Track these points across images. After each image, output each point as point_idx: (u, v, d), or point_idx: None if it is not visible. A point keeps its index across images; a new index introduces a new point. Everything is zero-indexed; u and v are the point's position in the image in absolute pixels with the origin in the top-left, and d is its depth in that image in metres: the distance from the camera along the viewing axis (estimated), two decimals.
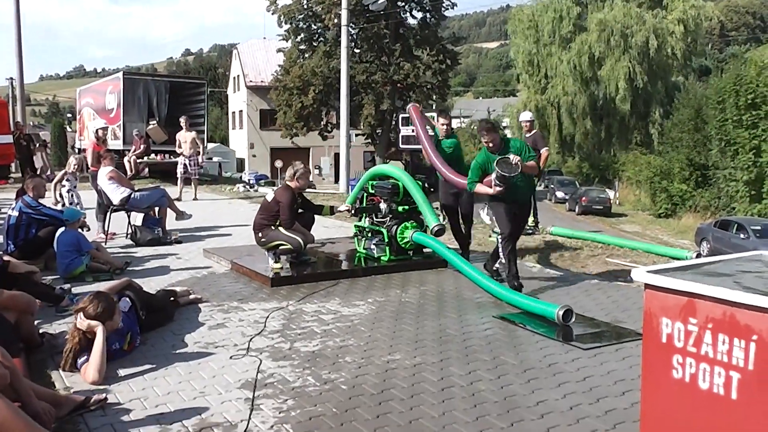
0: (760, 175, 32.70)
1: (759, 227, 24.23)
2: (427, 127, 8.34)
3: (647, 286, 3.03)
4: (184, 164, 14.68)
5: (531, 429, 3.45)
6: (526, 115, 11.01)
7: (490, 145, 6.41)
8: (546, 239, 9.97)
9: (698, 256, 8.00)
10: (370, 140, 39.18)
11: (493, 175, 6.19)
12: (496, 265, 6.97)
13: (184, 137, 14.74)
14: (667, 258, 8.73)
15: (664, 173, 37.50)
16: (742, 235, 23.43)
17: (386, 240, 7.47)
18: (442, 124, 8.11)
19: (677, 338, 2.90)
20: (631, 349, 4.63)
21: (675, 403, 2.94)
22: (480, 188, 6.44)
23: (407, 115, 10.79)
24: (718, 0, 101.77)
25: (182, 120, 15.00)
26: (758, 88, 33.12)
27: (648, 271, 3.08)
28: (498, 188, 6.19)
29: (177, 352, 4.70)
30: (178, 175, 14.82)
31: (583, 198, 37.23)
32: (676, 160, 36.96)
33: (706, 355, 2.80)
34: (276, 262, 7.09)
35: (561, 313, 5.22)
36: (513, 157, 6.09)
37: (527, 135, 10.60)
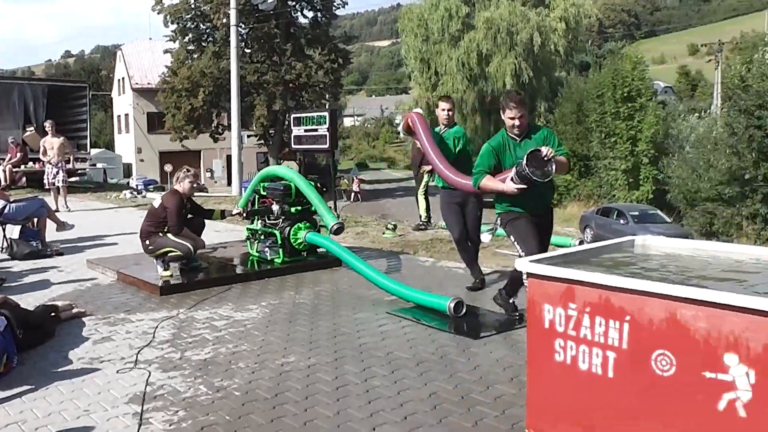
0: (636, 164, 34.66)
1: (637, 213, 25.74)
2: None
3: (529, 274, 3.14)
4: (52, 172, 13.83)
5: (424, 420, 3.50)
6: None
7: (516, 123, 4.86)
8: (440, 234, 10.14)
9: (581, 243, 8.34)
10: (262, 141, 38.77)
11: (513, 171, 4.71)
12: (513, 299, 5.36)
13: (50, 143, 13.86)
14: (553, 246, 9.06)
15: None
16: (621, 221, 24.81)
17: (279, 242, 7.40)
18: (443, 110, 6.73)
19: (558, 323, 3.02)
20: (520, 336, 4.78)
21: (558, 385, 3.06)
22: (489, 183, 4.90)
23: (300, 115, 10.64)
24: None
25: (47, 124, 14.17)
26: (633, 82, 35.05)
27: (530, 261, 3.19)
28: (516, 187, 4.70)
29: (59, 370, 4.46)
30: (47, 185, 13.99)
31: None
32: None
33: (585, 337, 2.92)
34: (165, 269, 6.87)
35: (452, 305, 5.32)
36: (545, 150, 4.58)
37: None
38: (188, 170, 7.26)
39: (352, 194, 40.70)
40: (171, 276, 6.82)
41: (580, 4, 48.68)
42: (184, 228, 6.98)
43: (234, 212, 7.84)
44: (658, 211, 26.86)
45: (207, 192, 22.03)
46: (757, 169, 22.07)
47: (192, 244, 6.94)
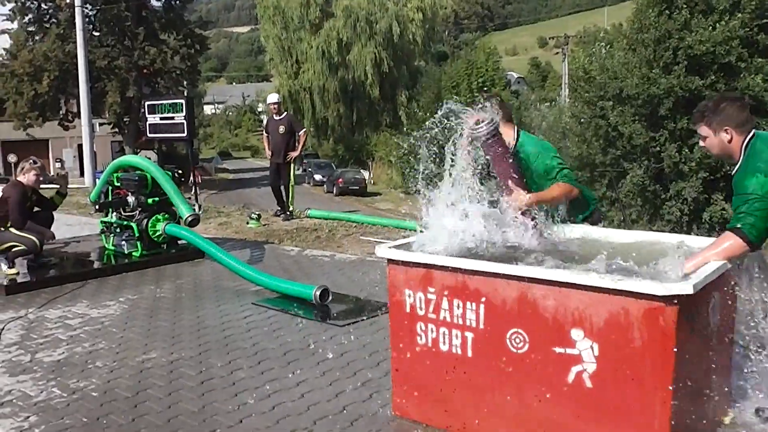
0: None
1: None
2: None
3: (389, 261, 3.22)
4: None
5: (293, 409, 3.51)
6: (273, 97, 10.84)
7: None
8: (303, 223, 10.15)
9: None
10: (116, 130, 36.97)
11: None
12: None
13: None
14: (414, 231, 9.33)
15: (412, 153, 39.99)
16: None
17: (137, 234, 7.12)
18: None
19: (419, 307, 3.13)
20: (385, 321, 4.88)
21: (421, 366, 3.17)
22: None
23: (155, 102, 10.21)
24: None
25: None
26: (488, 72, 36.49)
27: (389, 247, 3.28)
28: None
29: None
30: None
31: (340, 180, 38.50)
32: (422, 140, 39.57)
33: (445, 320, 3.05)
34: (10, 267, 6.44)
35: (318, 293, 5.36)
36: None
37: (277, 117, 10.54)
38: (34, 162, 6.85)
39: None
40: (17, 274, 6.40)
41: None
42: (27, 222, 6.57)
43: (63, 190, 7.27)
44: None
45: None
46: (605, 156, 23.61)
47: (38, 238, 6.54)
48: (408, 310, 3.16)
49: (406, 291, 3.16)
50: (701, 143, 3.21)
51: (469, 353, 2.99)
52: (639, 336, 2.52)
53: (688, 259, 2.80)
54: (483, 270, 2.89)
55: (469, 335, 2.98)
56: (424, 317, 3.11)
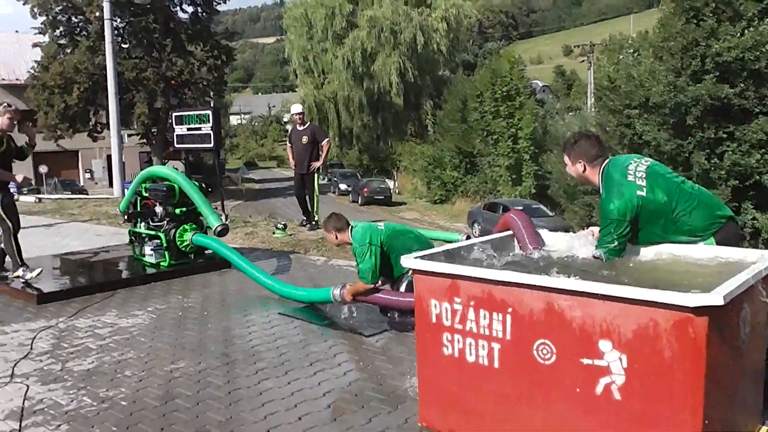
0: (518, 161, 35.99)
1: (521, 207, 26.71)
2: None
3: (415, 271, 3.22)
4: None
5: (319, 419, 3.52)
6: (297, 108, 10.85)
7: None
8: None
9: (468, 237, 8.61)
10: (145, 140, 37.43)
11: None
12: None
13: None
14: (441, 242, 9.30)
15: (437, 162, 40.01)
16: None
17: (164, 244, 7.20)
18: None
19: (445, 317, 3.12)
20: (411, 331, 4.88)
21: (448, 377, 3.16)
22: None
23: (182, 113, 10.33)
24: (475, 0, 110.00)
25: None
26: (512, 81, 36.32)
27: (416, 257, 3.28)
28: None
29: None
30: None
31: (365, 189, 38.59)
32: (447, 150, 39.58)
33: (471, 330, 3.04)
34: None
35: (337, 292, 5.35)
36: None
37: (300, 128, 10.56)
38: (8, 105, 6.78)
39: None
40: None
41: (460, 4, 50.07)
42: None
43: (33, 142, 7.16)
44: (541, 206, 28.00)
45: (87, 194, 21.06)
46: None
47: (14, 224, 6.56)
48: (434, 320, 3.16)
49: (432, 301, 3.16)
50: (565, 169, 3.78)
51: (496, 364, 2.98)
52: (668, 348, 2.49)
53: None
54: (508, 280, 2.88)
55: (496, 346, 2.97)
56: (451, 328, 3.10)
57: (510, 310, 2.89)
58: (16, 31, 48.84)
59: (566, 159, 3.71)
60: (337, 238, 5.32)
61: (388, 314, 5.16)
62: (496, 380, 2.98)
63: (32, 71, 36.17)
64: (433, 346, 3.19)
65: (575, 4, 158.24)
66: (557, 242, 3.91)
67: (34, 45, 36.61)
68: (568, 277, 2.81)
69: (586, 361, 2.69)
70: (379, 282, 5.18)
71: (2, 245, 6.83)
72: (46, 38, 35.72)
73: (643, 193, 3.40)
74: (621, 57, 26.92)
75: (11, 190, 6.97)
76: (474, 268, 3.06)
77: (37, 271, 6.67)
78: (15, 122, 6.75)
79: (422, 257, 3.32)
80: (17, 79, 44.89)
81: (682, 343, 2.45)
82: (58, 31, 35.43)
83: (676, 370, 2.48)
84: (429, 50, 48.18)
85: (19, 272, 6.63)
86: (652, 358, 2.53)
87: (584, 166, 3.62)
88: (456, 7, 49.24)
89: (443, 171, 39.49)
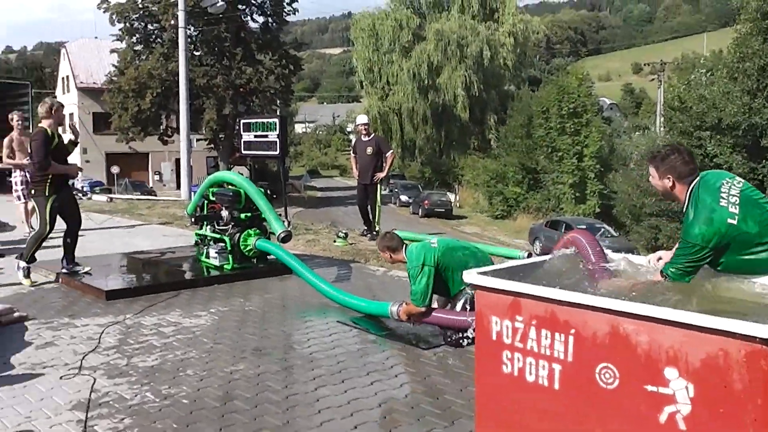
0: (583, 179, 35.42)
1: (584, 226, 26.26)
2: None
3: (477, 287, 3.20)
4: (23, 178, 9.69)
5: (374, 429, 3.53)
6: (362, 119, 10.98)
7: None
8: None
9: (529, 255, 8.51)
10: (212, 145, 38.35)
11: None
12: None
13: (19, 141, 9.55)
14: (502, 258, 9.22)
15: (500, 177, 39.72)
16: None
17: (229, 248, 7.34)
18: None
19: (506, 335, 3.08)
20: (470, 347, 4.85)
21: (506, 396, 3.12)
22: None
23: (250, 121, 10.52)
24: (543, 15, 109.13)
25: (15, 117, 9.81)
26: (579, 98, 35.82)
27: (478, 273, 3.25)
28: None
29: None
30: (21, 196, 9.93)
31: (426, 201, 38.56)
32: (510, 165, 39.25)
33: (532, 349, 2.99)
34: (25, 275, 6.89)
35: (395, 309, 5.35)
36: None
37: (365, 138, 10.65)
38: (58, 102, 7.06)
39: None
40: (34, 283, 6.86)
41: (528, 20, 49.80)
42: (50, 163, 6.68)
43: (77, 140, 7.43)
44: (605, 225, 27.45)
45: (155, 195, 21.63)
46: None
47: (49, 225, 6.74)
48: (494, 337, 3.12)
49: (493, 318, 3.13)
50: (650, 180, 3.64)
51: (556, 385, 2.92)
52: (739, 379, 2.40)
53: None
54: (572, 301, 2.83)
55: (557, 367, 2.92)
56: (511, 346, 3.06)
57: (573, 331, 2.84)
58: (95, 37, 50.72)
59: (653, 171, 3.53)
60: (390, 257, 5.33)
61: (445, 333, 5.12)
62: (556, 402, 2.93)
63: (109, 75, 37.58)
64: (492, 364, 3.16)
65: (646, 21, 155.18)
66: (622, 264, 3.82)
67: (112, 51, 38.03)
68: (634, 300, 2.74)
69: (650, 388, 2.62)
70: (434, 303, 5.16)
71: (68, 240, 7.08)
72: (123, 45, 37.09)
73: (734, 222, 3.20)
74: (693, 76, 26.26)
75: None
76: (536, 286, 3.01)
77: (87, 268, 7.00)
78: (62, 119, 7.06)
79: (484, 273, 3.29)
80: (95, 83, 46.83)
81: (754, 376, 2.37)
82: (134, 38, 36.73)
83: (747, 403, 2.39)
84: (495, 65, 48.01)
85: (20, 265, 6.87)
86: (720, 389, 2.44)
87: (673, 182, 3.43)
88: (524, 23, 48.98)
89: (506, 186, 39.18)
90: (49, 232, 6.83)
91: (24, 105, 19.97)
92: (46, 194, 6.71)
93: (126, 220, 12.70)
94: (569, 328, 2.85)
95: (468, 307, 4.85)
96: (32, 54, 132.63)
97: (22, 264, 6.86)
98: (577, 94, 35.97)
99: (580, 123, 35.56)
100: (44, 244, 6.93)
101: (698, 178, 3.40)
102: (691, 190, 3.38)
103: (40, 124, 6.88)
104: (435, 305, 5.17)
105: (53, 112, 6.84)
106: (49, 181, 6.70)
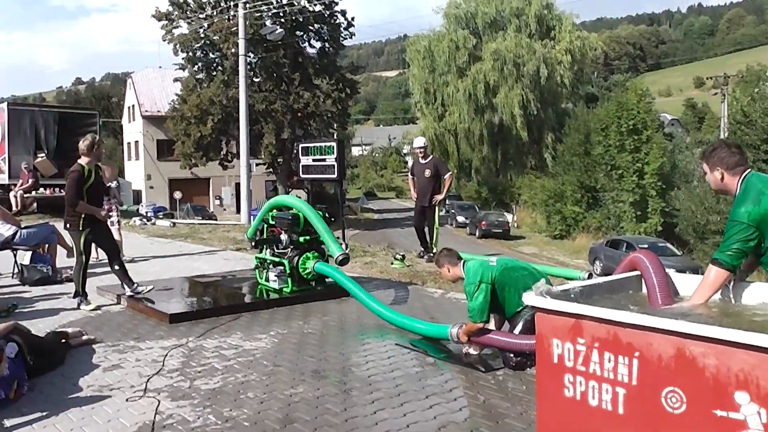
0: (644, 196, 34.61)
1: (646, 245, 25.61)
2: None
3: (537, 308, 3.15)
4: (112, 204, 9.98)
5: None
6: (420, 141, 10.93)
7: None
8: None
9: (590, 276, 8.35)
10: (271, 169, 38.96)
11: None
12: None
13: (105, 169, 9.37)
14: (562, 278, 9.06)
15: (558, 196, 39.15)
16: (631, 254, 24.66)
17: (288, 271, 7.42)
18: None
19: (567, 358, 3.02)
20: (530, 369, 4.77)
21: (568, 420, 3.05)
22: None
23: (308, 145, 10.63)
24: (601, 31, 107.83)
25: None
26: (639, 115, 35.14)
27: (537, 294, 3.20)
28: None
29: (69, 397, 4.48)
30: (117, 223, 10.28)
31: (483, 222, 38.27)
32: (568, 183, 38.66)
33: (594, 373, 2.92)
34: (84, 301, 7.09)
35: (454, 331, 5.31)
36: None
37: (423, 161, 10.62)
38: (98, 138, 7.32)
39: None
40: (97, 308, 7.04)
41: (585, 36, 49.27)
42: (79, 202, 6.83)
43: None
44: (668, 244, 26.70)
45: (215, 220, 22.04)
46: None
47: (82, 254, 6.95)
48: (556, 360, 3.06)
49: (554, 341, 3.07)
50: (705, 178, 3.78)
51: (620, 410, 2.85)
52: None
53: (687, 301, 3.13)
54: (636, 323, 2.76)
55: (621, 391, 2.84)
56: (573, 369, 3.00)
57: (637, 354, 2.76)
58: (160, 67, 52.35)
59: (704, 167, 3.68)
60: (449, 272, 5.32)
61: (507, 356, 5.05)
62: (621, 426, 2.85)
63: (173, 103, 38.70)
64: (553, 387, 3.10)
65: (708, 34, 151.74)
66: (687, 285, 3.72)
67: (175, 80, 39.14)
68: (701, 321, 2.66)
69: (719, 413, 2.53)
70: (491, 322, 5.10)
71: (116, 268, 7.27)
72: (185, 73, 38.13)
73: None
74: (757, 89, 25.50)
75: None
76: (598, 307, 2.95)
77: (149, 288, 7.23)
78: (101, 155, 7.29)
79: (543, 294, 3.24)
80: (159, 111, 48.37)
81: None
82: (196, 67, 37.76)
83: None
84: (552, 82, 47.58)
85: (77, 301, 7.07)
86: None
87: (722, 173, 3.54)
88: (581, 39, 48.48)
89: (564, 205, 38.59)
90: (87, 261, 7.10)
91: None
92: (80, 228, 6.94)
93: (188, 244, 13.00)
94: (633, 351, 2.78)
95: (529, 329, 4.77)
96: (100, 84, 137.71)
97: (80, 298, 7.11)
98: (637, 110, 35.29)
99: (640, 140, 34.84)
100: (110, 269, 7.19)
101: (749, 170, 3.53)
102: (742, 180, 3.48)
103: (79, 160, 7.06)
104: (492, 324, 5.13)
105: (94, 149, 7.06)
106: (82, 216, 6.92)
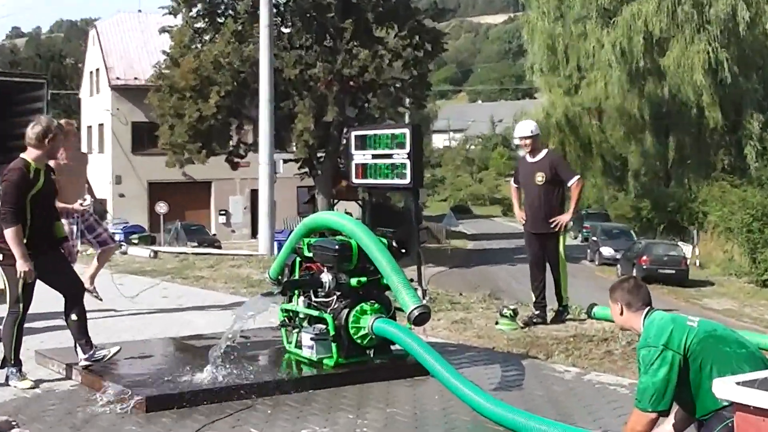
0: None
1: None
2: None
3: (737, 405, 3.10)
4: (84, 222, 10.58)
5: None
6: (525, 128, 10.36)
7: None
8: (585, 326, 10.01)
9: None
10: (307, 170, 38.98)
11: None
12: None
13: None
14: None
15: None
16: None
17: (332, 332, 7.41)
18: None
19: None
20: None
21: None
22: None
23: (365, 132, 10.62)
24: None
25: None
26: None
27: (738, 383, 3.14)
28: None
29: None
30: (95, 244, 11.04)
31: (644, 257, 37.76)
32: None
33: None
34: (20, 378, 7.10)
35: None
36: None
37: (531, 159, 10.32)
38: (61, 125, 7.56)
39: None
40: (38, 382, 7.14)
41: None
42: (19, 218, 6.84)
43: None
44: None
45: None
46: None
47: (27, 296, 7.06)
48: None
49: None
50: None
51: None
52: None
53: None
54: None
55: None
56: None
57: None
58: (139, 11, 53.57)
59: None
60: (622, 315, 5.13)
61: None
62: None
63: (158, 67, 39.05)
64: None
65: None
66: None
67: (162, 30, 39.60)
68: None
69: None
70: (671, 416, 4.94)
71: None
72: (178, 20, 38.55)
73: None
74: None
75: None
76: None
77: (114, 350, 7.35)
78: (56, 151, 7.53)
79: (749, 384, 3.18)
80: (136, 78, 49.14)
81: None
82: (195, 11, 38.05)
83: None
84: (757, 33, 46.77)
85: (5, 373, 7.11)
86: None
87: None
88: None
89: None
90: (25, 311, 7.16)
91: (36, 111, 21.20)
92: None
93: (177, 286, 13.14)
94: None
95: None
96: (48, 38, 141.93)
97: (11, 369, 7.14)
98: None
99: None
100: (57, 323, 7.28)
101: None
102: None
103: (22, 155, 7.11)
104: (670, 426, 4.97)
105: (47, 140, 7.10)
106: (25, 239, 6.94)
